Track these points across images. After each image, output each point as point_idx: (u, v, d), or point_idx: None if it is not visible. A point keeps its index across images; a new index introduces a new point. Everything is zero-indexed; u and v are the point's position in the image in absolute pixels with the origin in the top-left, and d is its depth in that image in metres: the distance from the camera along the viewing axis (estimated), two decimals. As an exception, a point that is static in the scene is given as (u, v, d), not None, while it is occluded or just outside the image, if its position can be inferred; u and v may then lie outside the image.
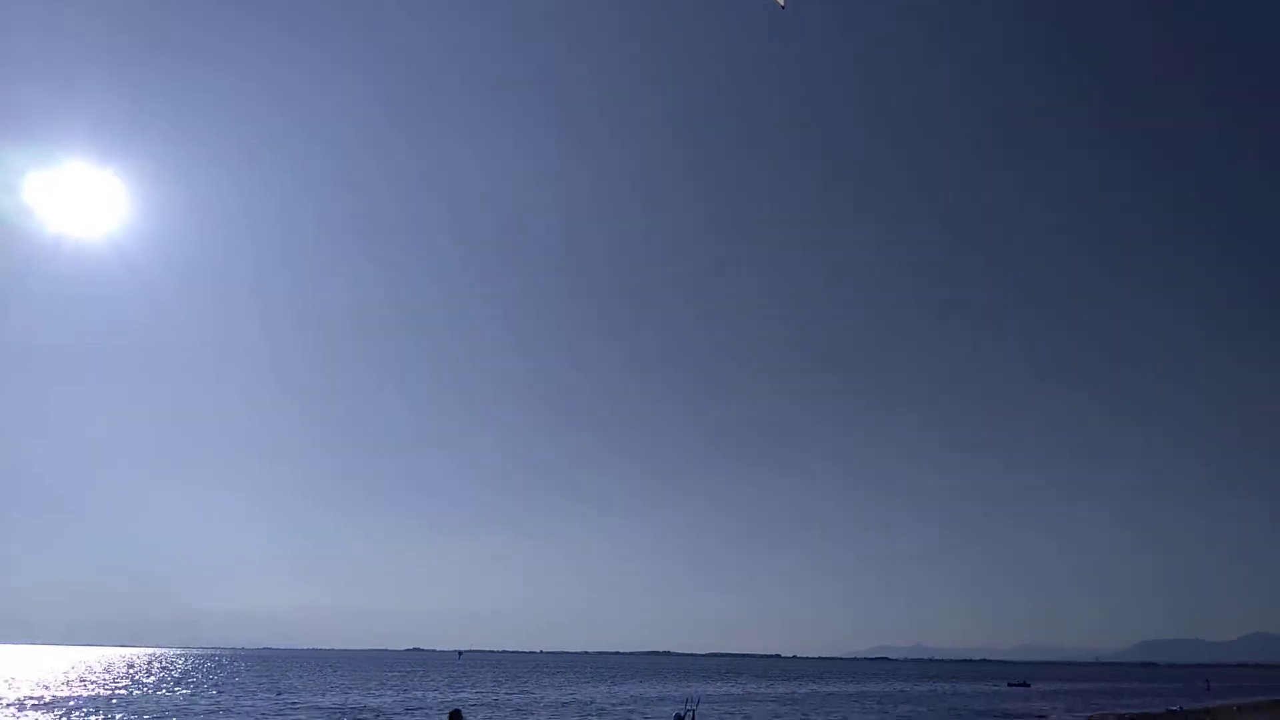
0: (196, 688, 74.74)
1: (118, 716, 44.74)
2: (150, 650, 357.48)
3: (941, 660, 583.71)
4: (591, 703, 62.78)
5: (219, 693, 67.34)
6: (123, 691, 66.75)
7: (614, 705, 60.62)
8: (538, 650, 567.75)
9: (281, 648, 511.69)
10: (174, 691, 68.29)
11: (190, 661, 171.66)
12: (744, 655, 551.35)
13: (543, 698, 67.53)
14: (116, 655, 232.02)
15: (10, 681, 79.27)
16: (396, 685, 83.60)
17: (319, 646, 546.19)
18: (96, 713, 46.64)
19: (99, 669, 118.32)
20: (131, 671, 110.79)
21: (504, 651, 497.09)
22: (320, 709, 52.21)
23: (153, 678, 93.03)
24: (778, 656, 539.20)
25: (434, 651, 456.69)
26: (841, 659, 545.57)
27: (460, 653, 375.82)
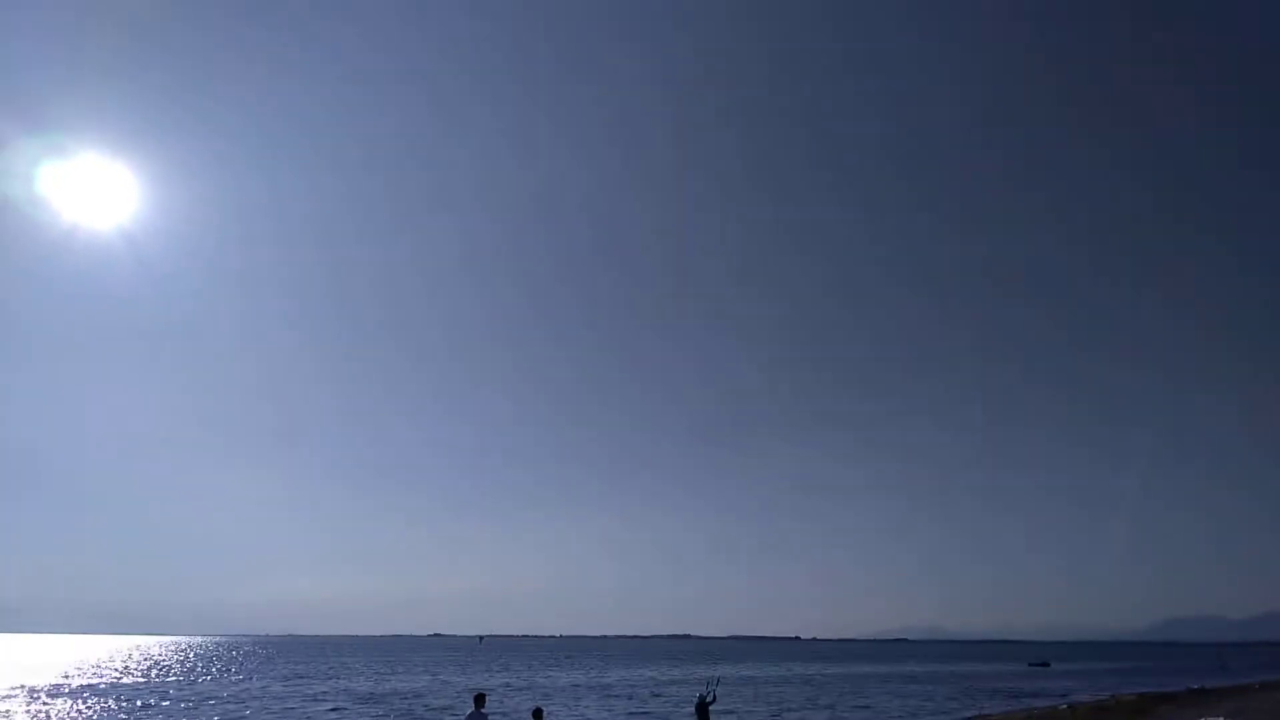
0: (226, 675, 76.14)
1: (154, 702, 45.69)
2: (174, 638, 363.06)
3: (960, 641, 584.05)
4: (612, 686, 63.52)
5: (249, 679, 68.59)
6: (156, 679, 68.07)
7: (635, 688, 61.31)
8: (557, 635, 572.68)
9: (304, 634, 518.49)
10: (204, 680, 69.60)
11: (215, 649, 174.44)
12: (763, 638, 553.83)
13: (565, 681, 68.39)
14: (141, 643, 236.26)
15: (39, 670, 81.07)
16: (424, 670, 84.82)
17: (340, 633, 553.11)
18: (131, 699, 47.63)
19: (126, 657, 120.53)
20: (160, 659, 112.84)
21: (524, 636, 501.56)
22: (352, 693, 53.15)
23: (182, 665, 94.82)
24: (797, 639, 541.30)
25: (455, 637, 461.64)
26: (860, 640, 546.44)
27: (481, 638, 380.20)
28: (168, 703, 45.52)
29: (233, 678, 70.19)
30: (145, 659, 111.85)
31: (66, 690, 53.77)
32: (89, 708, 41.94)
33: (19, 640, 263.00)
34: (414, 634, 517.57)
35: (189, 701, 46.29)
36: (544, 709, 17.59)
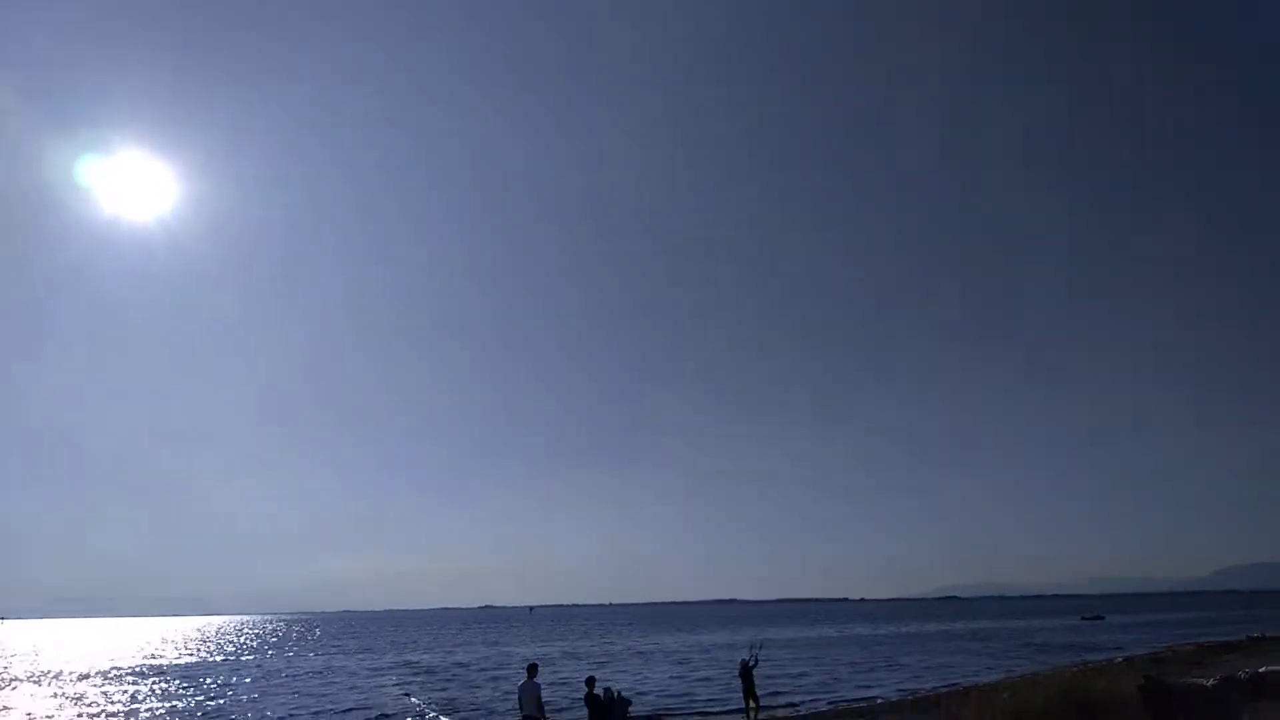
0: (291, 651, 78.71)
1: (224, 681, 47.46)
2: (232, 618, 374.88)
3: (1012, 597, 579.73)
4: (662, 651, 64.49)
5: (315, 655, 70.83)
6: (221, 659, 70.53)
7: (684, 653, 62.19)
8: (606, 603, 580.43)
9: (357, 610, 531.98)
10: (269, 656, 72.04)
11: (276, 627, 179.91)
12: (811, 599, 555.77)
13: (617, 648, 69.60)
14: (203, 624, 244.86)
15: (116, 653, 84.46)
16: (481, 642, 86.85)
17: (392, 609, 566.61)
18: (206, 679, 49.46)
19: (193, 638, 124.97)
20: (222, 638, 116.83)
21: (574, 605, 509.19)
22: (414, 666, 54.73)
23: (249, 644, 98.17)
24: (845, 600, 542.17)
25: (505, 608, 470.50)
26: (910, 600, 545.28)
27: (531, 609, 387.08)
28: (249, 679, 47.32)
29: (307, 654, 72.56)
30: (213, 640, 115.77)
31: (147, 671, 56.10)
32: (174, 689, 43.77)
33: (88, 625, 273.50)
34: (465, 607, 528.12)
35: (277, 678, 48.07)
36: (595, 677, 18.07)
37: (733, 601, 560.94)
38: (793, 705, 32.43)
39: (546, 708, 16.92)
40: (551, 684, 34.90)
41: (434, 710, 31.12)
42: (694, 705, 31.22)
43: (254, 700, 36.12)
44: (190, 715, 31.80)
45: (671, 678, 41.73)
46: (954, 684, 33.73)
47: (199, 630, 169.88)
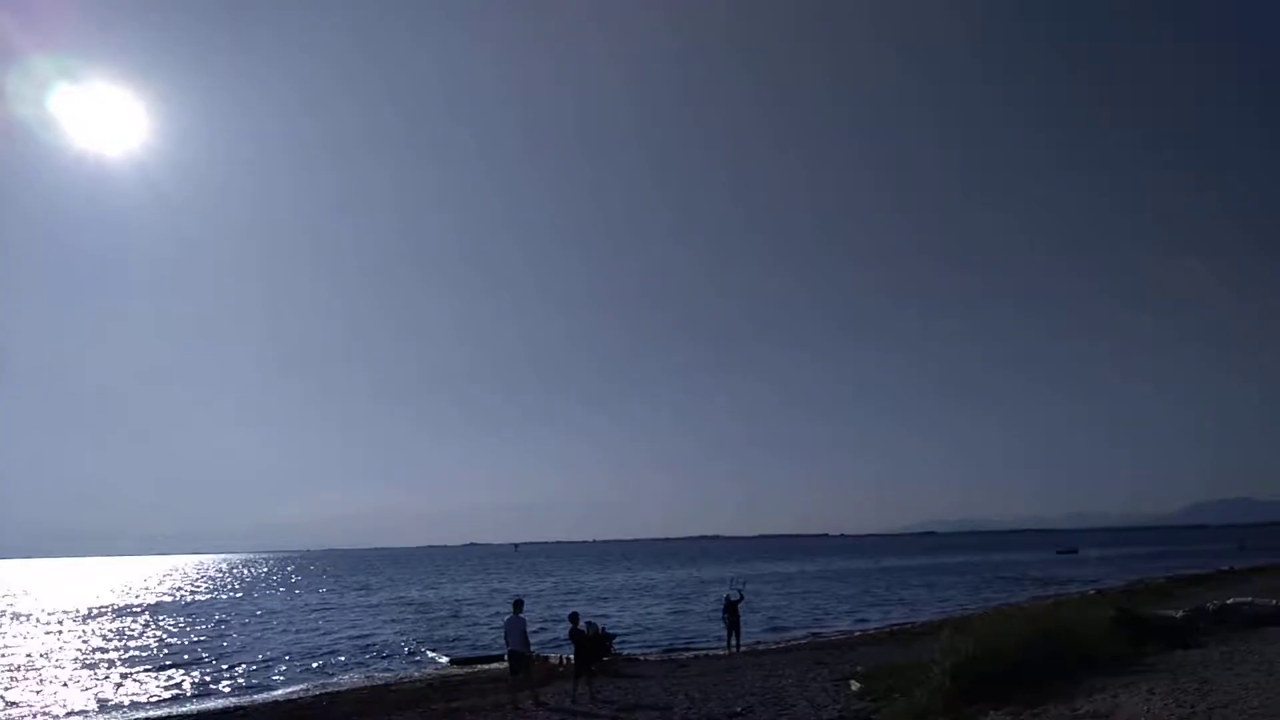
0: (285, 588, 79.90)
1: (224, 618, 48.25)
2: (225, 556, 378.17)
3: (989, 531, 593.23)
4: (648, 586, 65.94)
5: (305, 593, 71.92)
6: (223, 596, 71.55)
7: (672, 588, 63.63)
8: (590, 540, 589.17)
9: (344, 548, 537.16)
10: (267, 593, 73.15)
11: (269, 565, 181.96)
12: (792, 535, 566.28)
13: (604, 584, 71.07)
14: (197, 562, 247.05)
15: (108, 590, 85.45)
16: (467, 579, 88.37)
17: (379, 546, 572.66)
18: (206, 617, 50.25)
19: (188, 575, 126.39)
20: (219, 576, 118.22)
21: (557, 543, 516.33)
22: (408, 602, 55.81)
23: (241, 580, 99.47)
24: (825, 536, 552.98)
25: (490, 545, 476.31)
26: (889, 535, 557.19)
27: (516, 546, 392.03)
28: (252, 618, 48.11)
29: (301, 591, 73.67)
30: (211, 578, 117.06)
31: (145, 608, 56.93)
32: (175, 624, 44.50)
33: (78, 565, 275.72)
34: (450, 544, 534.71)
35: (278, 615, 48.91)
36: (579, 613, 18.35)
37: (716, 538, 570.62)
38: (777, 630, 33.57)
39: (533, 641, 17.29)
40: (543, 620, 35.79)
41: (429, 645, 31.95)
42: (680, 639, 32.12)
43: (257, 639, 36.82)
44: (195, 650, 32.45)
45: (663, 614, 42.71)
46: (930, 618, 34.86)
47: (196, 568, 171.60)
